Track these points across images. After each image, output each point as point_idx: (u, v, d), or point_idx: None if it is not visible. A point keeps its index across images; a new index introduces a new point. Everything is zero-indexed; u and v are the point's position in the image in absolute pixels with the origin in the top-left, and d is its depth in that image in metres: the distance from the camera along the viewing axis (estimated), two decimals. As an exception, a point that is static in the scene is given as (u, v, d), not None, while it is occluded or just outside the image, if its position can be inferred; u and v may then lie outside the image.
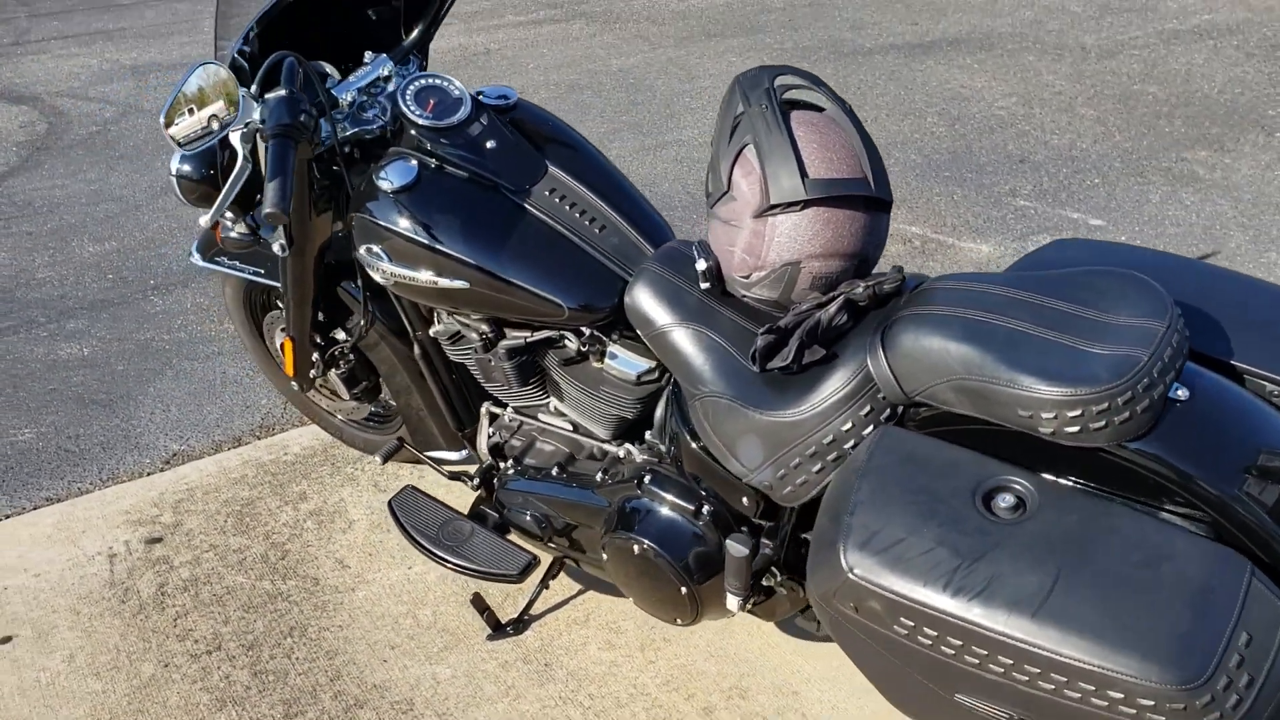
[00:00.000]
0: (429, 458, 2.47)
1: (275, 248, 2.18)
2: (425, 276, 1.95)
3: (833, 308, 1.67)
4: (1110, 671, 1.30)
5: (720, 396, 1.75)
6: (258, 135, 1.89)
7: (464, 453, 2.49)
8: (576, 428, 2.17)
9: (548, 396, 2.18)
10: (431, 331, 2.23)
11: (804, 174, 1.65)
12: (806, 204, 1.66)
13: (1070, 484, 1.50)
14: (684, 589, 1.93)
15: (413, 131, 1.97)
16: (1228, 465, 1.44)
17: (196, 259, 2.62)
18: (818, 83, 1.79)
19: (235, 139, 1.91)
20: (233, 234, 2.22)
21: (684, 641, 2.26)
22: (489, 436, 2.30)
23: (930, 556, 1.42)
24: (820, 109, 1.77)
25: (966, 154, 4.63)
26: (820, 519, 1.60)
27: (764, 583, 1.93)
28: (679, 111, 5.26)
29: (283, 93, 1.77)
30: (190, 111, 1.74)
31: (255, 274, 2.53)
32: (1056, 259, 1.77)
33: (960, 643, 1.40)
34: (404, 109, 1.96)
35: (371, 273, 2.04)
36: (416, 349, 2.28)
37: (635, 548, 1.94)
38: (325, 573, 2.49)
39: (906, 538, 1.45)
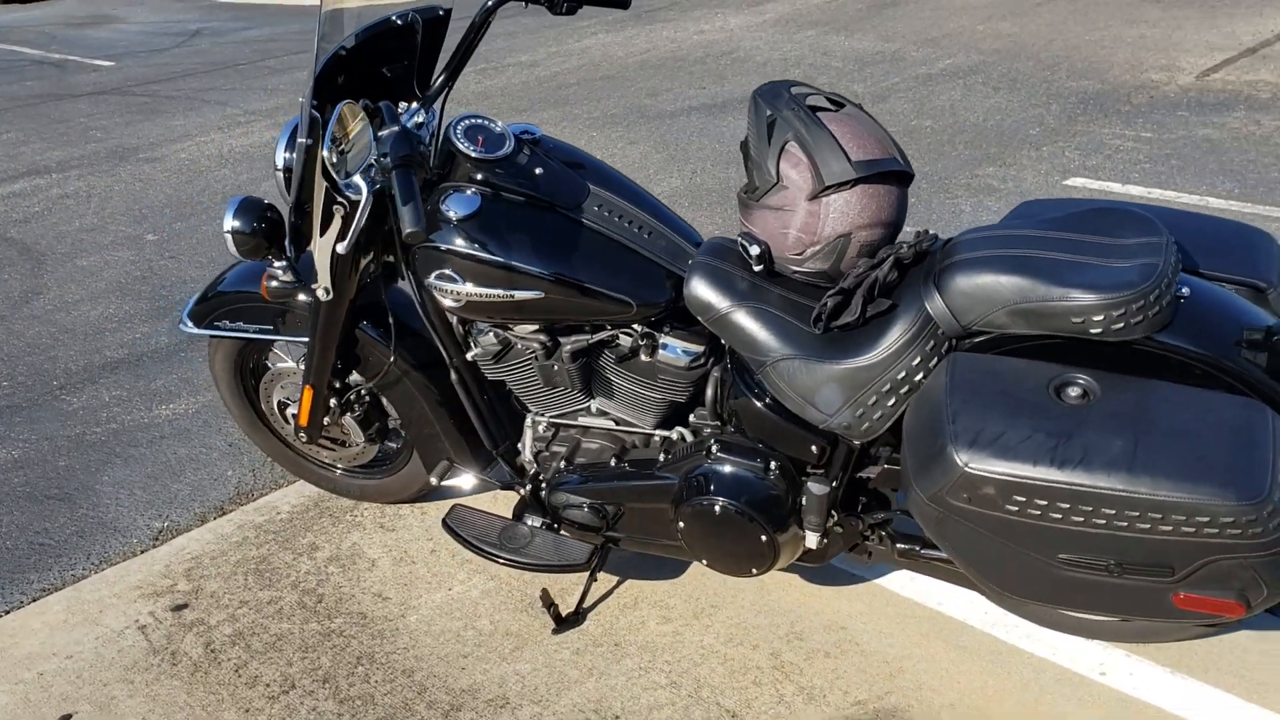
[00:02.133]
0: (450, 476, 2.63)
1: (319, 293, 2.32)
2: (500, 292, 2.15)
3: (885, 267, 2.01)
4: (1196, 501, 1.67)
5: (792, 358, 2.04)
6: (369, 169, 2.05)
7: (484, 471, 2.66)
8: (618, 423, 2.40)
9: (589, 400, 2.40)
10: (470, 355, 2.41)
11: (848, 158, 1.99)
12: (855, 182, 1.99)
13: (1117, 373, 1.87)
14: (764, 537, 2.19)
15: (467, 165, 2.18)
16: (1227, 340, 1.86)
17: (189, 327, 2.69)
18: (820, 90, 2.14)
19: (357, 176, 2.05)
20: (275, 283, 2.34)
21: (733, 604, 2.51)
22: (531, 445, 2.49)
23: (1031, 441, 1.76)
24: (833, 109, 2.11)
25: (797, 189, 5.13)
26: (914, 437, 1.90)
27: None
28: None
29: (396, 129, 1.95)
30: (342, 145, 1.89)
31: (261, 331, 2.63)
32: (1034, 212, 2.16)
33: (1068, 505, 1.74)
34: (459, 146, 2.17)
35: (442, 298, 2.21)
36: (454, 375, 2.44)
37: (716, 507, 2.19)
38: (368, 607, 2.59)
39: (1006, 431, 1.78)
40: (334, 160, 1.93)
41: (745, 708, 2.24)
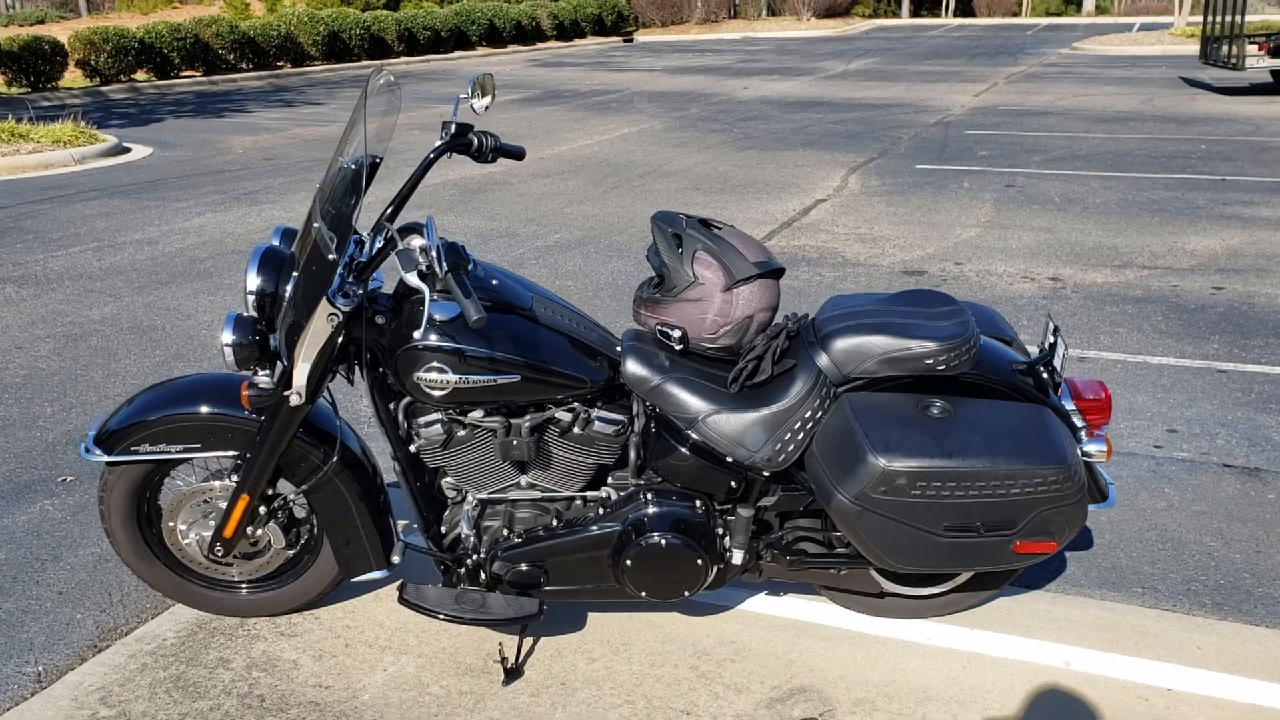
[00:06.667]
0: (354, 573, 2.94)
1: (293, 398, 2.61)
2: (485, 378, 2.59)
3: (781, 338, 2.72)
4: (1033, 469, 2.50)
5: (718, 413, 2.68)
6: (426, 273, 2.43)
7: (388, 570, 2.96)
8: (544, 493, 2.86)
9: (520, 475, 2.84)
10: (413, 447, 2.77)
11: (748, 259, 2.70)
12: (756, 277, 2.70)
13: (956, 395, 2.69)
14: (700, 560, 2.74)
15: (445, 277, 2.60)
16: (1008, 370, 2.76)
17: (99, 455, 2.77)
18: (694, 216, 2.85)
19: (413, 279, 2.39)
20: (255, 391, 2.59)
21: (640, 639, 3.00)
22: (468, 523, 2.85)
23: (924, 441, 2.52)
24: (719, 228, 2.81)
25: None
26: (831, 457, 2.59)
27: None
28: (202, 342, 5.66)
29: (442, 241, 2.37)
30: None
31: (186, 451, 2.79)
32: (844, 301, 2.96)
33: (954, 483, 2.51)
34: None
35: (430, 389, 2.58)
36: (396, 466, 2.78)
37: (663, 541, 2.72)
38: (317, 696, 2.76)
39: (905, 437, 2.53)
40: (427, 268, 2.36)
41: (694, 705, 2.74)
